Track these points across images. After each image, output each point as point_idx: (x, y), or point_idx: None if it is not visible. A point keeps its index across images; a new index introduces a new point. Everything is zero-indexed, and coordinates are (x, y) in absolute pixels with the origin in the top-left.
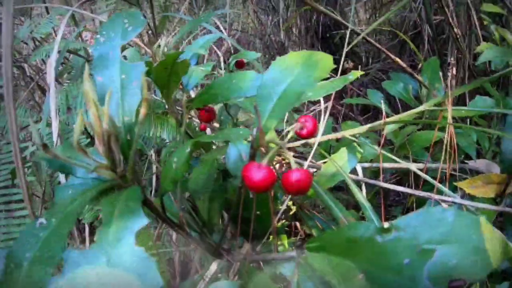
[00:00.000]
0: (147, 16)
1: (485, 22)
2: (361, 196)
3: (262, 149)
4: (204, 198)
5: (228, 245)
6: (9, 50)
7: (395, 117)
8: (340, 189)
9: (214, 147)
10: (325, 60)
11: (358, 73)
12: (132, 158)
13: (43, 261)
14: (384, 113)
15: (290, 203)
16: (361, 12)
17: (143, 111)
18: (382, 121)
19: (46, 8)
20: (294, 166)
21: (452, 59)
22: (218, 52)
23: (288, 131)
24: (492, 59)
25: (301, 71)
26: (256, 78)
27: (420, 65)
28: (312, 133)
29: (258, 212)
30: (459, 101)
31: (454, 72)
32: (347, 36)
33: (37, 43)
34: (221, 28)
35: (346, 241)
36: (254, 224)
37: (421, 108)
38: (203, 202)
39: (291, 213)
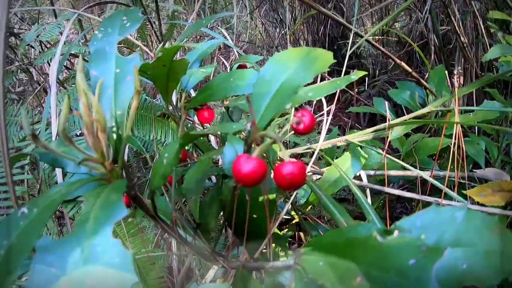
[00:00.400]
0: (155, 26)
1: (492, 30)
2: (363, 199)
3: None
4: (197, 198)
5: (227, 252)
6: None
7: (401, 119)
8: (344, 200)
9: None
10: (325, 55)
11: (361, 73)
12: (123, 152)
13: (19, 248)
14: (388, 115)
15: (293, 212)
16: (368, 24)
17: (134, 103)
18: (386, 124)
19: (55, 14)
20: (287, 158)
21: (459, 68)
22: (226, 63)
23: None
24: (498, 56)
25: (299, 66)
26: (255, 76)
27: (427, 76)
28: (310, 128)
29: (254, 216)
30: (468, 106)
31: (462, 81)
32: (351, 38)
33: (44, 48)
34: (228, 39)
35: (344, 242)
36: (250, 228)
37: (426, 109)
38: (195, 203)
39: (294, 221)
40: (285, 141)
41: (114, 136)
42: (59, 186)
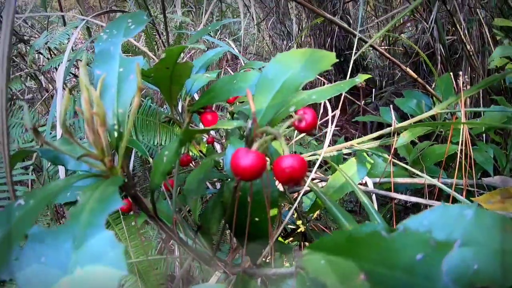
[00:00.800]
0: (163, 37)
1: (498, 38)
2: (368, 204)
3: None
4: (197, 198)
5: (230, 258)
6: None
7: (407, 122)
8: (351, 212)
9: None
10: (328, 55)
11: (365, 76)
12: (123, 150)
13: (12, 238)
14: (393, 119)
15: (299, 222)
16: (374, 36)
17: (136, 100)
18: (392, 127)
19: (64, 21)
20: (287, 152)
21: (466, 77)
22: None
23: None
24: (502, 56)
25: (303, 65)
26: (258, 78)
27: (433, 86)
28: (312, 126)
29: (256, 219)
30: (475, 116)
31: (468, 88)
32: (355, 43)
33: (53, 55)
34: (235, 50)
35: (347, 239)
36: (252, 231)
37: (432, 111)
38: (196, 203)
39: (299, 230)
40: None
41: (115, 134)
42: (58, 180)
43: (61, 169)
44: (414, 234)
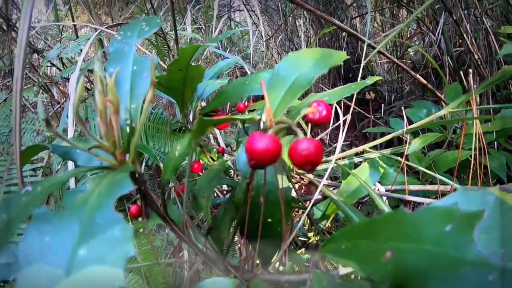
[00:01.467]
0: (173, 50)
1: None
2: (384, 205)
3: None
4: (209, 196)
5: (241, 264)
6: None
7: (418, 123)
8: None
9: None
10: (339, 53)
11: (375, 78)
12: (135, 145)
13: (15, 221)
14: (405, 121)
15: (311, 233)
16: (383, 42)
17: (149, 95)
18: (404, 129)
19: (76, 33)
20: (301, 137)
21: (474, 86)
22: None
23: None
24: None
25: (315, 63)
26: (270, 77)
27: (443, 95)
28: (326, 119)
29: (269, 220)
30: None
31: (478, 99)
32: (364, 50)
33: (65, 67)
34: (245, 66)
35: (367, 224)
36: (264, 233)
37: (443, 111)
38: (207, 201)
39: (310, 240)
40: None
41: (128, 129)
42: (68, 171)
43: (70, 166)
44: (438, 208)
